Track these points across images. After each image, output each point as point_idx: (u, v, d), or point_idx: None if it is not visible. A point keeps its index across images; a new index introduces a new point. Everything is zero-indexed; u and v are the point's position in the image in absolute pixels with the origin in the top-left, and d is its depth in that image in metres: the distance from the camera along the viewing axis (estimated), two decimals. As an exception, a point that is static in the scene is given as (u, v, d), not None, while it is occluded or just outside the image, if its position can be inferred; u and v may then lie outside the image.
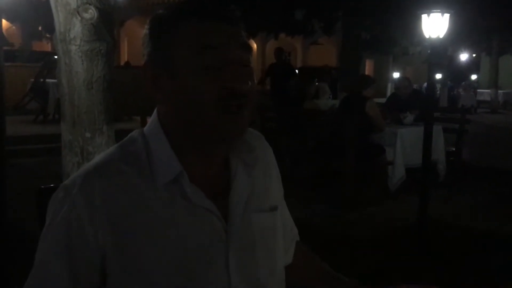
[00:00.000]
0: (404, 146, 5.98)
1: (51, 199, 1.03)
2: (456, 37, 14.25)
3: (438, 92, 19.94)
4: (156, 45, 1.02)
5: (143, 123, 10.71)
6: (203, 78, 0.97)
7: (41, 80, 10.96)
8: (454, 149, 6.87)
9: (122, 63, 18.70)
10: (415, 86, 13.37)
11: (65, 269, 0.98)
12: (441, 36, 4.33)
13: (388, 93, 20.23)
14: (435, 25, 4.35)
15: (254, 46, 26.40)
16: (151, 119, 1.08)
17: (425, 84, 14.15)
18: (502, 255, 4.24)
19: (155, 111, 1.07)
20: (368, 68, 25.39)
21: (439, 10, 4.34)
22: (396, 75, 24.10)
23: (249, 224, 1.08)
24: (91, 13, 3.15)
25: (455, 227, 5.01)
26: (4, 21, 15.90)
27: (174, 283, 0.98)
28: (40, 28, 16.73)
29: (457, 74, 24.80)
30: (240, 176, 1.09)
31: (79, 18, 3.13)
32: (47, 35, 16.71)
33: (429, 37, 4.35)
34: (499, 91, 22.78)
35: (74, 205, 0.97)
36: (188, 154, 1.04)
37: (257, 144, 1.18)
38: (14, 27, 17.83)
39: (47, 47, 19.74)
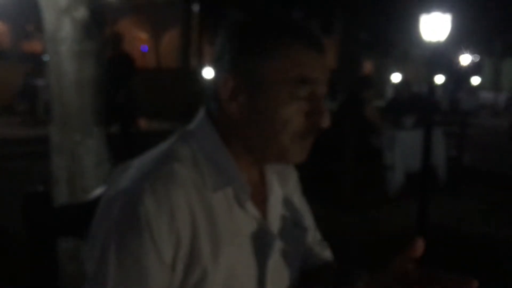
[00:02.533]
0: (403, 150, 5.92)
1: (104, 206, 0.97)
2: (457, 39, 14.19)
3: (439, 95, 19.88)
4: (244, 56, 0.98)
5: (137, 125, 10.60)
6: (293, 108, 0.97)
7: (31, 81, 10.88)
8: (455, 153, 6.80)
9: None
10: (416, 89, 13.30)
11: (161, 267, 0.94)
12: (442, 39, 4.26)
13: (388, 95, 20.16)
14: (435, 27, 4.27)
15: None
16: (200, 122, 1.05)
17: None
18: (503, 260, 4.18)
19: (203, 113, 1.06)
20: (368, 69, 25.33)
21: (439, 11, 4.27)
22: (396, 76, 24.04)
23: (283, 236, 1.10)
24: (81, 12, 3.08)
25: (456, 232, 4.95)
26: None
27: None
28: (30, 27, 16.64)
29: (459, 77, 24.74)
30: (276, 189, 1.11)
31: (69, 17, 3.05)
32: (37, 35, 16.63)
33: (430, 41, 4.27)
34: (502, 94, 22.75)
35: (149, 213, 0.92)
36: (240, 162, 1.03)
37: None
38: (2, 26, 17.73)
39: (37, 47, 19.64)
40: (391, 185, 5.93)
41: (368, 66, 25.33)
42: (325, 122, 0.99)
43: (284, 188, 1.14)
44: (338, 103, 7.51)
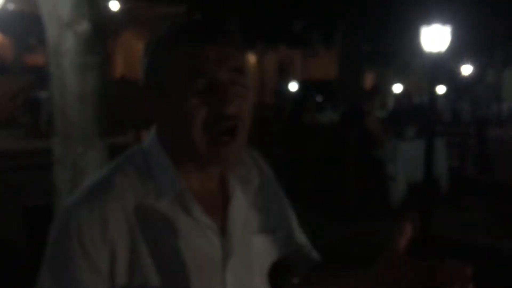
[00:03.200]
0: (405, 160, 5.92)
1: (54, 223, 1.00)
2: (459, 50, 14.23)
3: (441, 105, 19.87)
4: (151, 66, 1.04)
5: (138, 136, 10.64)
6: (192, 102, 0.98)
7: (34, 94, 10.94)
8: (457, 163, 6.79)
9: (117, 76, 18.63)
10: (417, 99, 13.31)
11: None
12: (443, 50, 4.27)
13: (389, 106, 20.17)
14: (435, 39, 4.29)
15: (252, 59, 26.42)
16: (150, 136, 1.08)
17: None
18: (506, 271, 4.16)
19: (153, 128, 1.08)
20: (369, 80, 25.36)
21: (439, 23, 4.29)
22: (397, 87, 24.05)
23: (247, 245, 1.08)
24: (84, 26, 3.10)
25: (458, 243, 4.93)
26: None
27: None
28: (32, 40, 16.72)
29: (460, 87, 24.74)
30: (238, 194, 1.09)
31: (72, 31, 3.08)
32: (40, 48, 16.69)
33: (430, 52, 4.29)
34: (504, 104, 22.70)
35: (81, 223, 0.95)
36: (187, 170, 1.04)
37: (255, 164, 1.17)
38: (5, 39, 17.81)
39: (40, 60, 19.70)
40: (394, 196, 5.91)
41: (369, 77, 25.36)
42: (229, 108, 0.99)
43: (249, 193, 1.12)
44: (340, 114, 7.53)
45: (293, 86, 17.83)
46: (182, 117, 0.99)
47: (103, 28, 3.25)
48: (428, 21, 4.43)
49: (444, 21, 4.37)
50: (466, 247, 4.83)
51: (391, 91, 24.75)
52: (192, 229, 1.02)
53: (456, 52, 14.45)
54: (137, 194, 1.00)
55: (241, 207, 1.09)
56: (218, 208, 1.06)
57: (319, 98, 14.83)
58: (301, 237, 1.26)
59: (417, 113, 6.85)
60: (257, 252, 1.10)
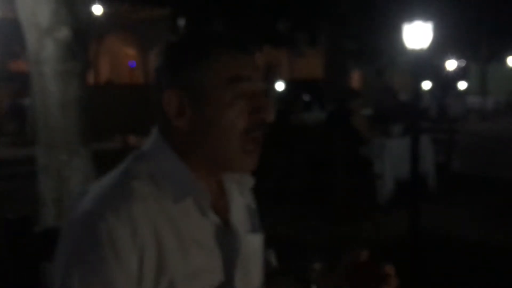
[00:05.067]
0: (392, 158, 5.93)
1: (67, 229, 0.99)
2: (443, 46, 14.31)
3: (427, 101, 19.96)
4: (181, 73, 1.03)
5: (125, 141, 10.58)
6: (235, 108, 1.01)
7: (19, 101, 10.85)
8: (443, 159, 6.81)
9: (102, 80, 18.50)
10: (403, 96, 13.35)
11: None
12: (425, 47, 4.29)
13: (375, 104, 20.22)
14: (418, 36, 4.31)
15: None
16: (152, 140, 1.08)
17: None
18: (495, 266, 4.18)
19: (156, 132, 1.09)
20: (356, 79, 25.42)
21: (421, 19, 4.30)
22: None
23: (246, 243, 1.13)
24: (64, 32, 3.08)
25: (447, 238, 4.95)
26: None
27: None
28: (16, 47, 16.59)
29: (445, 82, 24.89)
30: (236, 195, 1.14)
31: (52, 38, 3.05)
32: (24, 55, 16.51)
33: (413, 49, 4.30)
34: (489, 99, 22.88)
35: (111, 228, 0.95)
36: (198, 173, 1.06)
37: None
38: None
39: (24, 66, 19.53)
40: (382, 194, 5.92)
41: (355, 76, 25.42)
42: (269, 116, 1.03)
43: (243, 196, 1.18)
44: (327, 113, 7.54)
45: (280, 86, 17.83)
46: (224, 122, 1.01)
47: (84, 34, 3.22)
48: (410, 18, 4.44)
49: (426, 18, 4.39)
50: (454, 242, 4.84)
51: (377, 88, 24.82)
52: (207, 229, 1.05)
53: (441, 48, 14.55)
54: (156, 198, 1.01)
55: (239, 208, 1.14)
56: (221, 209, 1.10)
57: (306, 98, 14.85)
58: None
59: (403, 110, 6.85)
60: (253, 248, 1.15)
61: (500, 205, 6.30)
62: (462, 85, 24.83)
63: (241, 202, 1.16)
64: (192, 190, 1.03)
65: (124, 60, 21.80)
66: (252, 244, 1.16)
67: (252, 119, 1.02)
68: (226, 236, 1.08)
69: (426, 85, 20.19)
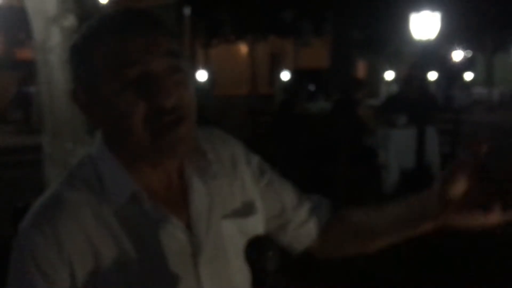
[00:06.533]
0: (397, 148, 5.92)
1: (12, 247, 0.97)
2: (449, 36, 14.23)
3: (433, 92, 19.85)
4: (79, 66, 0.97)
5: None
6: (127, 97, 0.92)
7: (25, 89, 10.84)
8: (449, 150, 6.80)
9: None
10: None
11: None
12: (432, 37, 4.26)
13: (381, 94, 20.16)
14: (425, 26, 4.28)
15: (243, 49, 26.27)
16: (96, 141, 1.03)
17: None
18: (501, 257, 4.18)
19: (99, 132, 1.03)
20: (361, 68, 25.35)
21: (429, 9, 4.27)
22: (389, 75, 24.06)
23: (217, 232, 1.04)
24: (70, 21, 3.06)
25: (452, 230, 4.94)
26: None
27: None
28: (22, 35, 16.61)
29: (451, 73, 24.77)
30: (196, 185, 1.05)
31: (58, 26, 3.04)
32: (30, 42, 16.49)
33: (420, 39, 4.28)
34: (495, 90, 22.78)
35: (35, 247, 0.93)
36: (140, 169, 0.99)
37: (212, 145, 1.11)
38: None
39: (30, 54, 19.48)
40: (386, 184, 5.93)
41: (361, 66, 25.36)
42: (167, 100, 0.92)
43: (209, 181, 1.07)
44: (331, 103, 7.53)
45: (285, 76, 17.79)
46: (119, 114, 0.93)
47: (90, 22, 3.22)
48: (417, 7, 4.41)
49: (433, 8, 4.35)
50: (459, 232, 4.84)
51: (382, 78, 24.77)
52: (155, 228, 0.98)
53: (447, 38, 14.46)
54: (92, 204, 0.96)
55: (202, 197, 1.05)
56: (180, 202, 1.03)
57: (311, 87, 14.81)
58: (300, 210, 1.22)
59: (427, 101, 6.66)
60: (229, 236, 1.06)
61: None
62: (468, 76, 24.73)
63: (203, 190, 1.05)
64: (127, 190, 0.96)
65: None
66: (227, 232, 1.06)
67: (150, 106, 0.92)
68: (179, 234, 1.00)
69: (432, 75, 20.09)
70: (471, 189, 0.95)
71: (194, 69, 15.21)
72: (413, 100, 6.24)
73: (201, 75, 17.66)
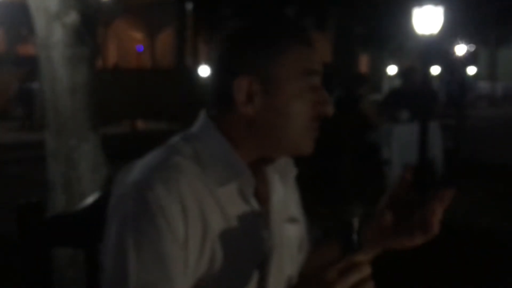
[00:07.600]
0: (400, 144, 5.91)
1: (115, 201, 1.01)
2: (452, 30, 14.18)
3: (435, 86, 19.79)
4: (254, 61, 1.04)
5: (134, 126, 10.57)
6: (303, 100, 1.04)
7: (27, 85, 10.83)
8: (452, 145, 6.79)
9: (110, 65, 18.45)
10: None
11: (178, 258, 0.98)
12: (435, 32, 4.25)
13: (384, 89, 20.13)
14: (428, 20, 4.26)
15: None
16: (202, 125, 1.09)
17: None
18: (504, 252, 4.18)
19: (204, 117, 1.09)
20: (364, 63, 25.29)
21: (431, 3, 4.25)
22: (391, 70, 24.00)
23: (281, 233, 1.13)
24: (72, 17, 3.06)
25: (455, 224, 4.93)
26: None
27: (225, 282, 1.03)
28: (24, 31, 16.60)
29: (454, 67, 24.69)
30: (277, 186, 1.15)
31: (60, 22, 3.04)
32: (32, 38, 16.45)
33: (423, 34, 4.26)
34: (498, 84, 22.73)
35: (161, 199, 0.96)
36: (244, 160, 1.07)
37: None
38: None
39: (33, 50, 19.49)
40: (389, 180, 5.92)
41: (363, 61, 25.28)
42: (330, 109, 1.07)
43: (284, 186, 1.18)
44: (334, 98, 7.50)
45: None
46: (291, 113, 1.04)
47: (93, 18, 3.21)
48: (420, 2, 4.39)
49: (436, 2, 4.33)
50: (462, 228, 4.84)
51: (385, 73, 24.72)
52: (247, 216, 1.06)
53: (450, 33, 14.40)
54: (200, 177, 1.02)
55: (280, 198, 1.14)
56: (263, 199, 1.10)
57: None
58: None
59: (429, 94, 6.60)
60: (287, 240, 1.15)
61: (509, 191, 6.28)
62: (471, 70, 24.66)
63: (282, 192, 1.16)
64: (239, 175, 1.04)
65: (131, 44, 21.77)
66: (288, 234, 1.16)
67: (316, 111, 1.06)
68: (264, 225, 1.09)
69: (435, 70, 20.04)
70: (397, 217, 1.12)
71: (197, 65, 15.19)
72: (413, 94, 6.22)
73: (204, 71, 17.63)
